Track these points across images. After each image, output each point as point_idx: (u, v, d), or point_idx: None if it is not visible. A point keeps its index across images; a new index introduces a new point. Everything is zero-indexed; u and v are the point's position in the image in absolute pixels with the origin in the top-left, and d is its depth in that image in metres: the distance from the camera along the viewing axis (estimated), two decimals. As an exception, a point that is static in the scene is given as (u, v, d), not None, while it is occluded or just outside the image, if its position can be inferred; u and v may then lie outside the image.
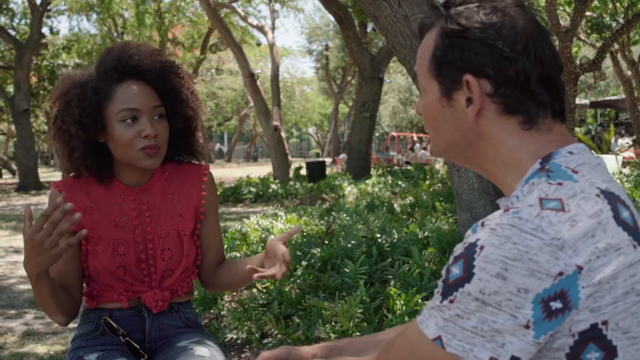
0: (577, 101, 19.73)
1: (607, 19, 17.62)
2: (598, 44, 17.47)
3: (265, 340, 3.68)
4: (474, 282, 0.98)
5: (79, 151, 1.83)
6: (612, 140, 19.26)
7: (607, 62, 23.12)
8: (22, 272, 7.10)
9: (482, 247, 0.99)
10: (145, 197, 1.93)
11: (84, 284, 1.96)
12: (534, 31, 1.12)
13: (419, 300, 3.50)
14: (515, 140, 1.13)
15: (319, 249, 4.71)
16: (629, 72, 19.56)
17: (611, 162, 14.17)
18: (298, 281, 4.25)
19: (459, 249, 1.04)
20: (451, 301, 1.01)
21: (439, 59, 1.15)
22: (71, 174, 1.93)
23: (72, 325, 4.78)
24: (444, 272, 1.05)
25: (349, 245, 4.75)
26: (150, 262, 1.91)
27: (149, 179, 1.95)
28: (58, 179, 2.01)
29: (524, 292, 0.96)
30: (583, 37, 18.25)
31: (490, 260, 0.97)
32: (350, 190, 11.85)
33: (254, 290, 4.56)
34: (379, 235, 5.08)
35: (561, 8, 16.55)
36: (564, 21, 14.36)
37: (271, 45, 19.19)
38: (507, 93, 1.10)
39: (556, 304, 0.96)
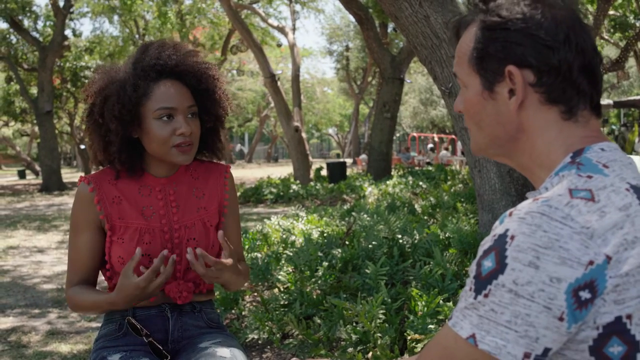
0: (601, 101, 19.53)
1: (631, 18, 17.44)
2: (621, 43, 17.30)
3: (287, 341, 3.68)
4: (507, 273, 0.97)
5: (115, 145, 1.88)
6: (636, 141, 19.00)
7: (631, 62, 22.87)
8: (45, 271, 7.18)
9: (512, 237, 0.99)
10: (172, 188, 1.99)
11: (107, 282, 2.00)
12: (574, 21, 1.12)
13: (441, 301, 3.48)
14: (554, 132, 1.13)
15: (339, 250, 4.71)
16: (653, 72, 19.34)
17: (635, 162, 14.01)
18: (319, 282, 4.25)
19: (487, 241, 1.03)
20: (486, 295, 1.00)
21: (481, 52, 1.15)
22: (100, 167, 2.00)
23: (95, 324, 4.83)
24: (473, 268, 1.04)
25: (370, 246, 4.75)
26: (175, 252, 1.94)
27: (176, 172, 2.01)
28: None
29: (556, 281, 0.95)
30: (606, 37, 18.09)
31: (522, 249, 0.97)
32: (371, 191, 11.82)
33: (275, 290, 4.57)
34: (400, 236, 5.07)
35: (584, 7, 16.40)
36: (587, 20, 14.23)
37: (292, 46, 19.21)
38: (550, 82, 1.10)
39: (585, 294, 0.96)
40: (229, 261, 1.81)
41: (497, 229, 1.02)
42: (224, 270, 1.81)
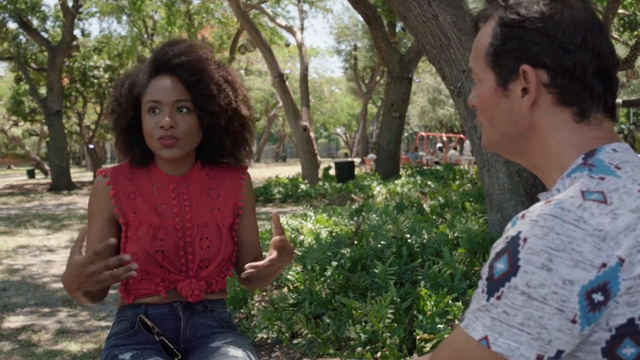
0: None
1: (640, 16, 17.34)
2: (630, 42, 17.22)
3: (296, 340, 3.68)
4: (520, 275, 0.97)
5: (123, 128, 1.97)
6: (645, 140, 18.91)
7: (640, 61, 22.75)
8: (55, 270, 7.21)
9: (525, 239, 0.98)
10: (185, 187, 2.01)
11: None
12: (592, 24, 1.12)
13: (450, 301, 3.48)
14: (566, 133, 1.13)
15: (348, 249, 4.71)
16: (663, 71, 19.24)
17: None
18: (328, 281, 4.25)
19: (500, 243, 1.03)
20: (498, 297, 1.00)
21: (497, 49, 1.15)
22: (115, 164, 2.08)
23: (104, 323, 4.85)
24: (485, 270, 1.04)
25: (379, 245, 4.75)
26: (188, 250, 1.96)
27: (189, 171, 2.03)
28: (89, 179, 2.07)
29: (569, 284, 0.95)
30: (615, 35, 18.00)
31: (535, 252, 0.97)
32: (379, 191, 11.83)
33: (284, 290, 4.57)
34: (408, 236, 5.07)
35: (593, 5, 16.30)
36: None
37: (300, 46, 19.22)
38: (564, 84, 1.10)
39: (598, 297, 0.96)
40: (274, 255, 1.87)
41: (510, 231, 1.02)
42: (279, 263, 1.88)
